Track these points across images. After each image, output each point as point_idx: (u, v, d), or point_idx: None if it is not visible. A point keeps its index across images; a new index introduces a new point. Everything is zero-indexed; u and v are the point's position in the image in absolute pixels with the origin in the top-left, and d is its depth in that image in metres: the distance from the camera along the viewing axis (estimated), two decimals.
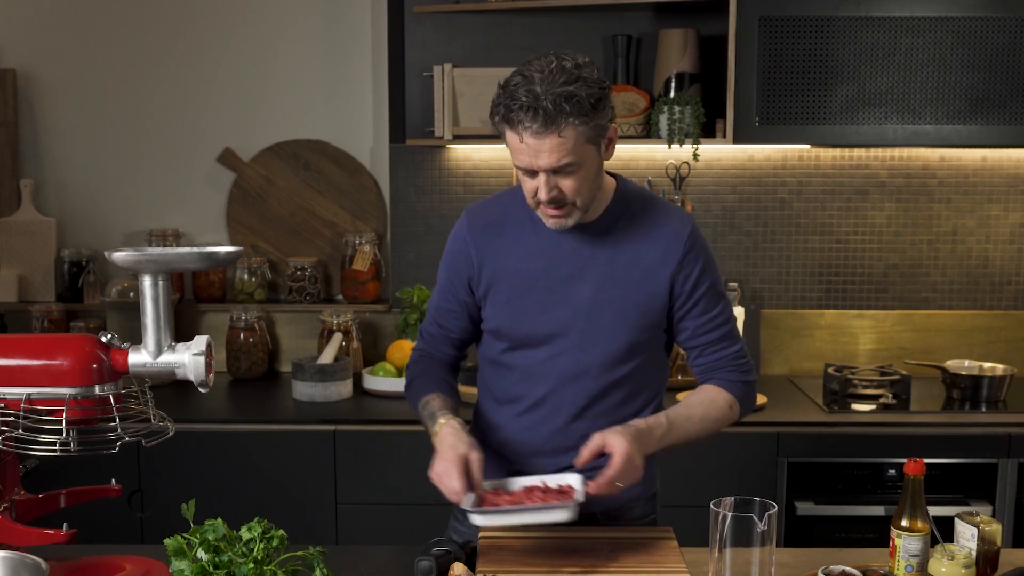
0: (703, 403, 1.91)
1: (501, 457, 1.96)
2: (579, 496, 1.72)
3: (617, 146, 3.39)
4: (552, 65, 1.72)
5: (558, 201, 1.79)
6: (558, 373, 1.91)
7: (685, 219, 1.93)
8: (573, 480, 1.78)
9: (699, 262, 1.90)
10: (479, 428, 2.04)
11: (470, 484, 1.72)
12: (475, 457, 1.75)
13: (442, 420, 1.84)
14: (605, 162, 1.85)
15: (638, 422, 1.80)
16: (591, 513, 1.92)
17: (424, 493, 2.85)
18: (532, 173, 1.77)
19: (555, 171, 1.75)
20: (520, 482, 1.83)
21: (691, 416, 1.88)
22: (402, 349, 3.16)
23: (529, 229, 1.91)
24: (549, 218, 1.83)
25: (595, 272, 1.88)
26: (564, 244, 1.89)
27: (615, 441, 1.72)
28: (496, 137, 3.21)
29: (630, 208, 1.91)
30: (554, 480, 1.81)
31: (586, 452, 1.74)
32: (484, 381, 2.04)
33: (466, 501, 1.70)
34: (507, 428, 1.97)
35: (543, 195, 1.77)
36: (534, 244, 1.90)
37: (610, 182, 1.92)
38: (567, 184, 1.77)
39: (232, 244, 3.40)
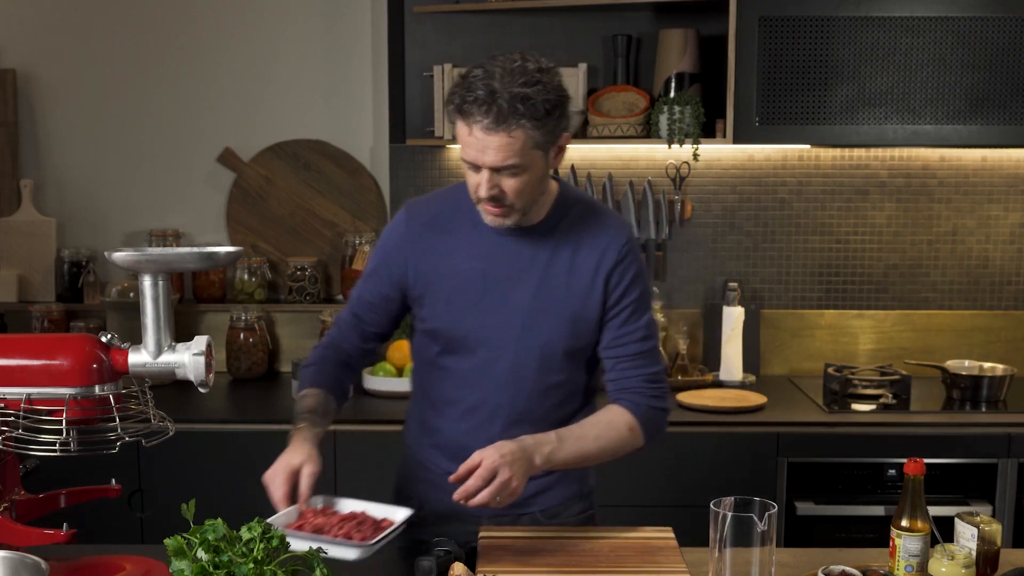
0: (599, 423, 1.88)
1: (445, 457, 1.96)
2: (385, 535, 1.69)
3: (617, 146, 3.39)
4: (515, 64, 1.72)
5: (497, 200, 1.78)
6: (493, 378, 1.90)
7: (623, 227, 1.93)
8: (400, 515, 1.75)
9: (631, 271, 1.89)
10: (415, 429, 2.04)
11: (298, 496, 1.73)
12: (307, 471, 1.75)
13: (300, 425, 1.83)
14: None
15: (526, 438, 1.78)
16: (530, 513, 1.95)
17: None
18: (476, 168, 1.76)
19: (499, 170, 1.74)
20: (349, 505, 1.81)
21: (584, 435, 1.84)
22: (402, 349, 3.16)
23: (470, 228, 1.89)
24: (488, 215, 1.82)
25: (533, 276, 1.87)
26: (504, 246, 1.88)
27: (485, 454, 1.71)
28: None
29: (570, 213, 1.90)
30: (382, 511, 1.78)
31: (462, 468, 1.72)
32: (419, 382, 2.03)
33: (276, 518, 1.69)
34: (445, 432, 1.97)
35: (483, 192, 1.77)
36: (475, 244, 1.89)
37: (553, 186, 1.91)
38: (509, 185, 1.76)
39: (232, 244, 3.40)
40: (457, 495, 1.71)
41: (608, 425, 1.87)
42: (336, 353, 2.00)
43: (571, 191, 1.95)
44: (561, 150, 1.82)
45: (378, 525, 1.74)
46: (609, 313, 1.89)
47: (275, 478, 1.75)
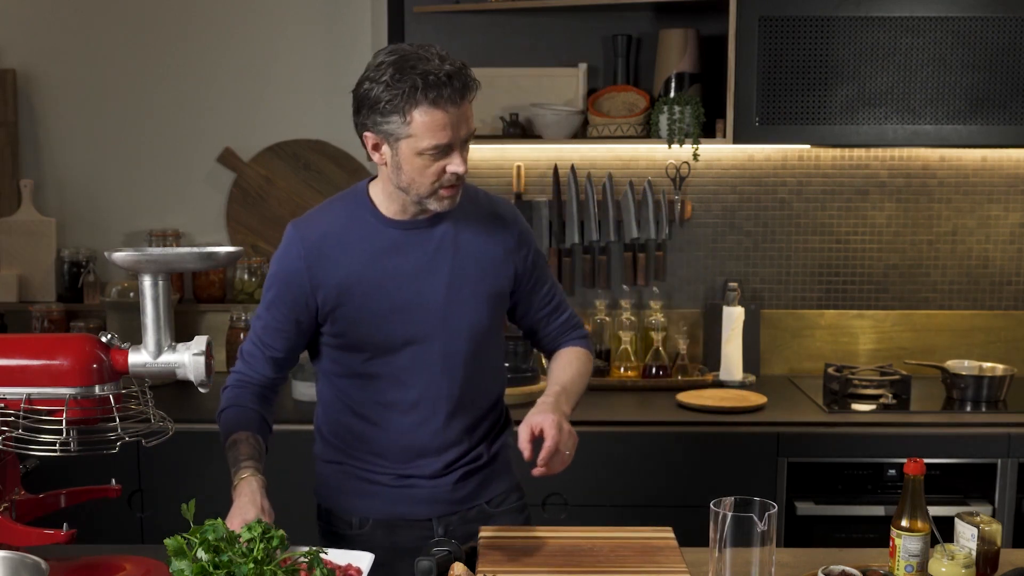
0: (573, 362, 2.02)
1: (390, 462, 1.95)
2: None
3: (617, 146, 3.40)
4: (432, 50, 1.75)
5: (460, 176, 1.81)
6: (427, 371, 1.91)
7: (511, 206, 2.02)
8: (364, 562, 1.70)
9: (531, 240, 1.99)
10: (340, 444, 2.00)
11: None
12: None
13: (244, 475, 1.78)
14: None
15: (545, 397, 1.86)
16: (478, 505, 1.99)
17: None
18: (445, 151, 1.77)
19: (465, 142, 1.78)
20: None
21: (573, 376, 1.98)
22: None
23: (367, 233, 1.88)
24: (444, 199, 1.82)
25: (445, 263, 1.89)
26: (408, 241, 1.88)
27: (539, 419, 1.78)
28: (496, 137, 3.23)
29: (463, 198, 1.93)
30: (345, 557, 1.72)
31: (525, 444, 1.76)
32: (339, 396, 1.98)
33: None
34: (386, 437, 1.95)
35: (460, 167, 1.78)
36: (376, 247, 1.87)
37: None
38: (466, 155, 1.81)
39: (232, 244, 3.40)
40: (539, 469, 1.75)
41: (578, 359, 2.03)
42: (250, 390, 1.94)
43: None
44: None
45: (345, 571, 1.69)
46: (528, 282, 1.99)
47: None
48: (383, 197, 1.88)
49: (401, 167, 1.79)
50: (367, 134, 1.80)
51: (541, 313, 2.04)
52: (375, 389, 1.93)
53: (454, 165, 1.78)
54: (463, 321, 1.91)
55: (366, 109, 1.77)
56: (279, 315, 1.91)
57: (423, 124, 1.74)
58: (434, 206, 1.83)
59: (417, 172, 1.79)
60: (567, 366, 2.01)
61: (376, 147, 1.80)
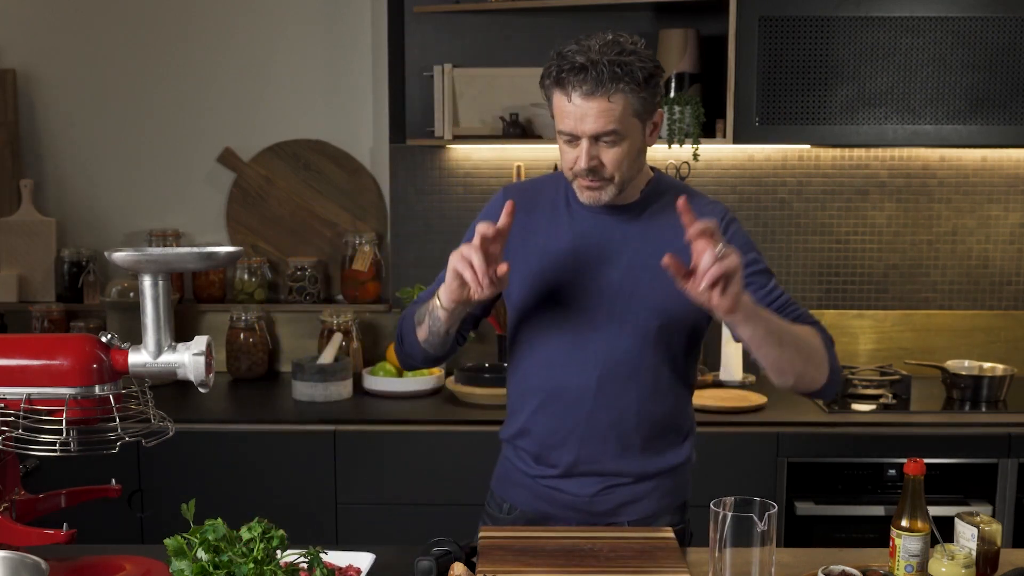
0: (796, 326, 1.76)
1: (530, 456, 1.92)
2: None
3: None
4: (608, 38, 1.73)
5: (595, 172, 1.75)
6: (581, 361, 1.84)
7: (719, 205, 1.88)
8: (364, 562, 1.70)
9: (738, 237, 1.81)
10: (507, 427, 1.97)
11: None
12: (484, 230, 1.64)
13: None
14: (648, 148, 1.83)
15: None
16: (618, 523, 1.90)
17: (424, 493, 2.86)
18: (574, 140, 1.74)
19: (597, 138, 1.72)
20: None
21: (786, 326, 1.72)
22: None
23: (561, 209, 1.87)
24: (584, 190, 1.79)
25: (624, 256, 1.83)
26: (595, 226, 1.85)
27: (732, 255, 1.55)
28: (496, 137, 3.23)
29: (664, 196, 1.86)
30: (345, 557, 1.71)
31: (694, 226, 1.57)
32: (511, 372, 1.96)
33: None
34: (528, 425, 1.91)
35: (583, 163, 1.74)
36: (564, 225, 1.86)
37: (648, 170, 1.89)
38: (608, 155, 1.74)
39: (232, 244, 3.40)
40: (700, 280, 1.53)
41: (805, 330, 1.76)
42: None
43: (666, 178, 1.92)
44: (656, 127, 1.80)
45: (344, 572, 1.69)
46: None
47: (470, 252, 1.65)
48: None
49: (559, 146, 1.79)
50: None
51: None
52: (528, 368, 1.90)
53: (581, 160, 1.74)
54: (630, 319, 1.82)
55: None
56: None
57: (556, 107, 1.76)
58: (580, 195, 1.81)
59: (562, 155, 1.80)
60: (790, 324, 1.75)
61: None
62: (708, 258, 1.54)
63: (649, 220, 1.85)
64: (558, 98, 1.74)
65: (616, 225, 1.85)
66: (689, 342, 1.89)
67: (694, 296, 1.57)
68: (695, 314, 1.81)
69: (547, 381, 1.88)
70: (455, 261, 1.67)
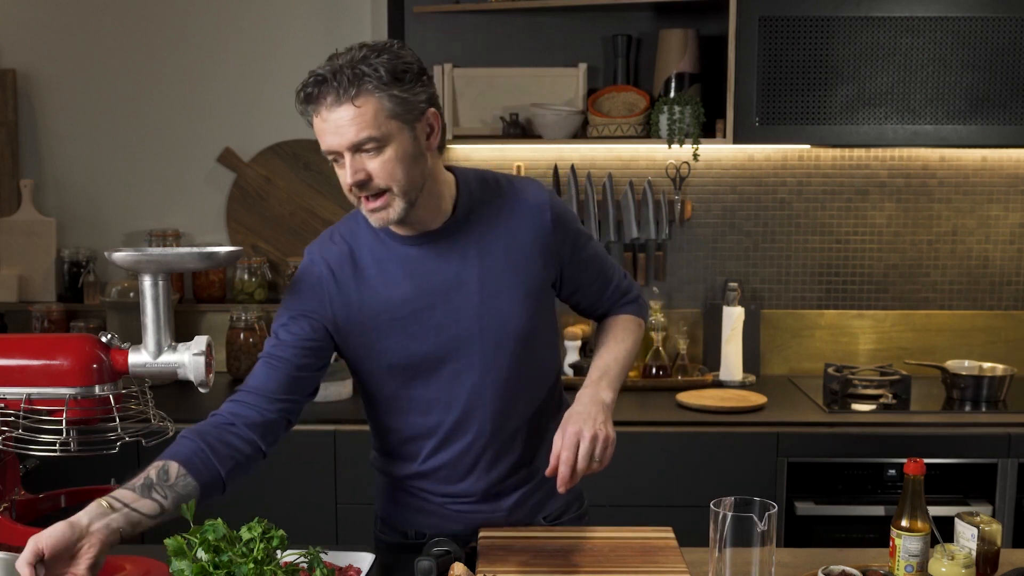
0: (617, 333, 1.92)
1: (438, 483, 1.89)
2: None
3: (617, 146, 3.36)
4: (357, 46, 1.64)
5: (366, 186, 1.65)
6: (470, 389, 1.80)
7: (538, 186, 1.85)
8: (364, 562, 1.69)
9: (571, 223, 1.85)
10: (387, 462, 1.93)
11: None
12: (87, 544, 1.42)
13: (103, 502, 1.47)
14: (438, 157, 1.74)
15: (580, 393, 1.76)
16: (536, 522, 1.92)
17: None
18: (339, 159, 1.66)
19: (357, 148, 1.63)
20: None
21: (617, 352, 1.87)
22: None
23: (381, 257, 1.77)
24: (370, 213, 1.68)
25: (472, 274, 1.76)
26: (426, 258, 1.76)
27: (559, 438, 1.68)
28: (496, 137, 3.24)
29: (477, 195, 1.80)
30: (345, 557, 1.70)
31: (552, 462, 1.67)
32: (381, 419, 1.89)
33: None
34: (431, 459, 1.86)
35: (349, 177, 1.65)
36: (394, 269, 1.76)
37: (449, 177, 1.79)
38: (374, 165, 1.63)
39: (232, 244, 3.40)
40: (560, 485, 1.66)
41: (623, 329, 1.93)
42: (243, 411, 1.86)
43: (467, 173, 1.83)
44: (434, 129, 1.69)
45: (344, 572, 1.68)
46: (567, 269, 1.85)
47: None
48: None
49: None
50: None
51: (591, 289, 1.91)
52: (413, 413, 1.84)
53: (348, 175, 1.66)
54: (502, 328, 1.78)
55: None
56: (299, 329, 1.84)
57: (316, 129, 1.67)
58: (370, 219, 1.71)
59: (340, 181, 1.71)
60: (610, 341, 1.90)
61: None
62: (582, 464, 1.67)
63: (477, 225, 1.77)
64: (314, 119, 1.64)
65: (445, 248, 1.76)
66: (549, 327, 1.89)
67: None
68: (547, 300, 1.86)
69: (444, 418, 1.82)
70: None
